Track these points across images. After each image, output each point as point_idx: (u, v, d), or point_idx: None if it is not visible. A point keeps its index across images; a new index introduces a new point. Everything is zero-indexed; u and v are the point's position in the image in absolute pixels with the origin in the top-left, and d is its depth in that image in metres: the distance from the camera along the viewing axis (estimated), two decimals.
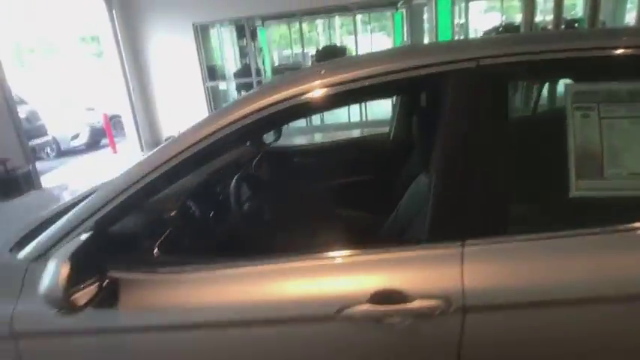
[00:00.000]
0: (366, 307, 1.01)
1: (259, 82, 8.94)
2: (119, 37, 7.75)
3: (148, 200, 1.25)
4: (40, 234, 1.37)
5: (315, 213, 1.79)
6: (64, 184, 2.50)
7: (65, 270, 0.95)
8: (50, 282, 0.96)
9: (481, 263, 1.02)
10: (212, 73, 8.70)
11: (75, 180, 6.44)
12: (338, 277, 1.06)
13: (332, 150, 2.48)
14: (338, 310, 1.02)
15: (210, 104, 8.78)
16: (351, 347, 1.05)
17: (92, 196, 1.26)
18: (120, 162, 7.67)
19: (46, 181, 5.95)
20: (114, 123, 10.70)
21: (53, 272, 0.96)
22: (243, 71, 9.20)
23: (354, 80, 1.13)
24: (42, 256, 1.23)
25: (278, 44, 14.40)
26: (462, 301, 0.99)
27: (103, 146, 10.20)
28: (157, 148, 1.26)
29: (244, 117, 1.14)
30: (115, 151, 8.39)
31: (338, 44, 8.66)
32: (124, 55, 7.91)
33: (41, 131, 8.35)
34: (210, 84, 8.66)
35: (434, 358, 1.05)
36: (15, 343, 1.20)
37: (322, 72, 1.21)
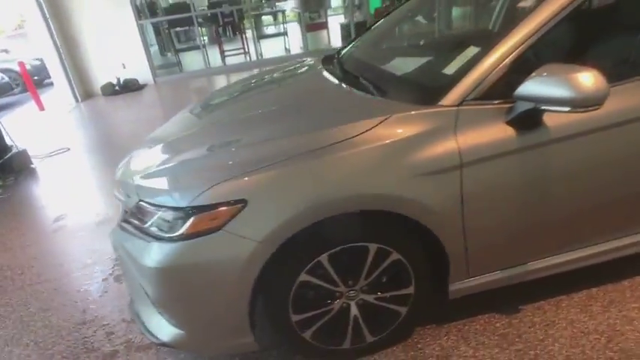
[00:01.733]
0: None
1: (197, 17, 8.28)
2: None
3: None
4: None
5: None
6: None
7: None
8: (584, 87, 1.24)
9: None
10: (143, 9, 7.78)
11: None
12: None
13: None
14: None
15: (146, 44, 7.93)
16: None
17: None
18: (57, 121, 6.64)
19: None
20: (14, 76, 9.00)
21: (573, 83, 1.25)
22: (178, 6, 8.37)
23: None
24: (468, 100, 1.44)
25: None
26: None
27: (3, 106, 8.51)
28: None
29: None
30: (43, 108, 7.15)
31: None
32: None
33: None
34: (144, 22, 7.76)
35: None
36: (460, 172, 1.43)
37: None
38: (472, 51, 1.59)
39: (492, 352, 1.65)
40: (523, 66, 1.44)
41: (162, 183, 1.56)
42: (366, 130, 1.43)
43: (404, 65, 2.02)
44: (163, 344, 1.63)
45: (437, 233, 1.49)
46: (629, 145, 1.54)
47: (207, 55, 8.62)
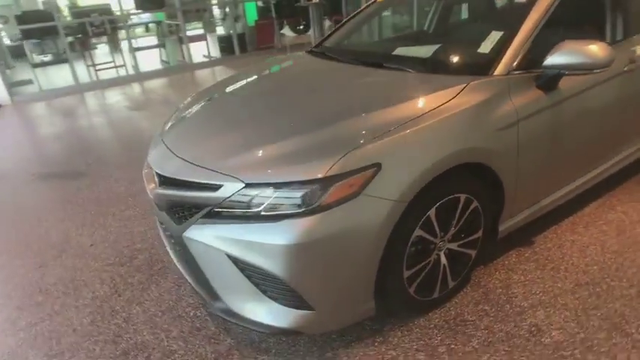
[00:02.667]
0: None
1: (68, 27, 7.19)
2: None
3: None
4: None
5: None
6: None
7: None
8: (598, 55, 1.68)
9: None
10: None
11: None
12: None
13: None
14: None
15: None
16: None
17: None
18: None
19: None
20: None
21: (589, 53, 1.68)
22: (36, 15, 7.11)
23: None
24: (511, 71, 1.79)
25: None
26: None
27: None
28: None
29: None
30: None
31: None
32: None
33: None
34: None
35: None
36: (517, 126, 1.76)
37: None
38: (497, 34, 1.95)
39: (536, 274, 2.03)
40: (538, 43, 1.87)
41: (279, 161, 1.52)
42: (455, 96, 1.66)
43: (419, 51, 2.31)
44: (283, 332, 1.57)
45: (502, 178, 1.80)
46: (606, 96, 2.13)
47: (74, 69, 7.59)
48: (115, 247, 2.62)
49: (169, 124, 2.14)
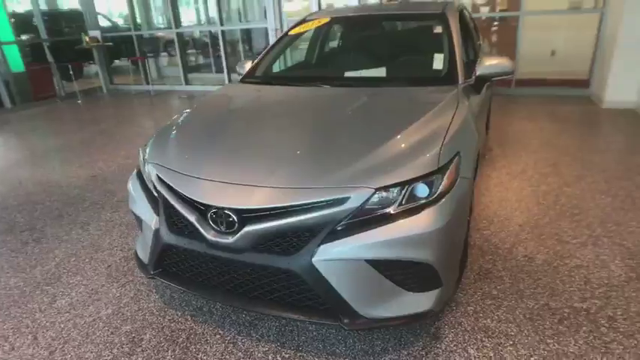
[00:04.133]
0: None
1: None
2: None
3: None
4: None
5: None
6: None
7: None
8: (509, 65, 2.48)
9: None
10: None
11: None
12: None
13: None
14: None
15: None
16: None
17: None
18: None
19: None
20: None
21: (505, 64, 2.49)
22: None
23: None
24: (465, 80, 2.45)
25: None
26: None
27: None
28: None
29: None
30: None
31: None
32: None
33: None
34: None
35: None
36: (474, 115, 2.43)
37: None
38: (440, 55, 2.61)
39: (492, 228, 2.77)
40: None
41: (391, 164, 1.69)
42: (458, 99, 2.19)
43: (371, 72, 2.74)
44: (419, 317, 1.72)
45: (480, 156, 2.44)
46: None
47: None
48: (95, 340, 2.00)
49: (188, 158, 1.93)
